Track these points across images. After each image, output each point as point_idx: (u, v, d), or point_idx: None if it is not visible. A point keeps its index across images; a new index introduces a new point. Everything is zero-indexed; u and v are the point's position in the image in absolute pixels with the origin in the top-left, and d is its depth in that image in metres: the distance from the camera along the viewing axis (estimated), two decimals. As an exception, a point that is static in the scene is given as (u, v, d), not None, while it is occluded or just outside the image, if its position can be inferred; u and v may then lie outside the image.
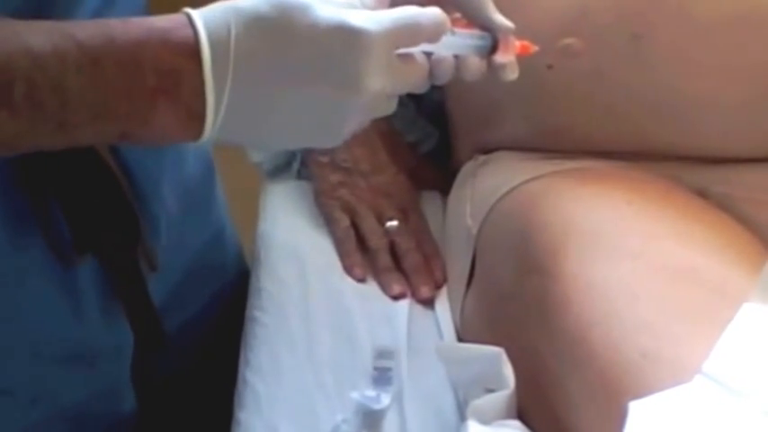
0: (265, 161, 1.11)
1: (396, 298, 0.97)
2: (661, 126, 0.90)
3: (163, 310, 0.87)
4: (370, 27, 0.62)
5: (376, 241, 1.00)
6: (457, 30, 0.69)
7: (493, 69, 0.72)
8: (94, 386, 0.85)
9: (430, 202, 1.07)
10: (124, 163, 0.79)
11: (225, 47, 0.61)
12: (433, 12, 0.66)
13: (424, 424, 0.85)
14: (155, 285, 0.85)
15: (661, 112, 0.89)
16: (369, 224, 1.01)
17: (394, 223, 1.01)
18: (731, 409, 0.64)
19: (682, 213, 0.84)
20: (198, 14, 0.62)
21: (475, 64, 0.70)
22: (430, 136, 1.11)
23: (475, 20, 0.71)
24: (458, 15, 0.71)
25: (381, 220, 1.02)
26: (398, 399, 0.87)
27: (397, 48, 0.65)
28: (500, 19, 0.71)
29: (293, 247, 1.02)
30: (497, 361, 0.79)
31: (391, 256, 1.00)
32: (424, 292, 0.97)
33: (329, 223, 1.03)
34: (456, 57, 0.70)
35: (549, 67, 0.88)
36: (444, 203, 1.04)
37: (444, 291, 0.98)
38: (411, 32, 0.65)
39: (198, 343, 0.99)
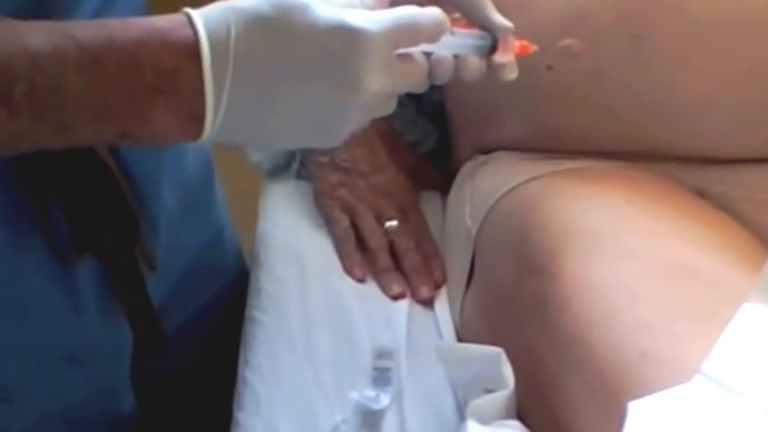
0: (265, 161, 1.11)
1: (395, 298, 0.97)
2: (660, 127, 0.90)
3: (162, 310, 0.87)
4: (369, 27, 0.62)
5: (375, 241, 1.00)
6: (456, 30, 0.69)
7: (492, 69, 0.71)
8: (94, 386, 0.85)
9: (430, 202, 1.07)
10: (124, 163, 0.79)
11: (224, 47, 0.61)
12: (433, 12, 0.66)
13: (424, 424, 0.85)
14: (154, 285, 0.85)
15: (660, 113, 0.89)
16: (368, 224, 1.01)
17: (393, 223, 1.01)
18: (731, 409, 0.64)
19: (681, 213, 0.84)
20: (198, 14, 0.61)
21: (474, 64, 0.70)
22: (429, 136, 1.11)
23: (474, 20, 0.71)
24: (457, 15, 0.71)
25: (381, 221, 1.01)
26: (398, 399, 0.87)
27: (397, 48, 0.65)
28: (499, 19, 0.71)
29: (293, 247, 1.02)
30: (497, 361, 0.78)
31: (391, 256, 1.00)
32: (424, 292, 0.97)
33: (329, 223, 1.03)
34: (455, 57, 0.70)
35: (549, 67, 0.88)
36: (444, 203, 1.04)
37: (444, 291, 0.98)
38: (411, 32, 0.65)
39: (197, 343, 0.99)
